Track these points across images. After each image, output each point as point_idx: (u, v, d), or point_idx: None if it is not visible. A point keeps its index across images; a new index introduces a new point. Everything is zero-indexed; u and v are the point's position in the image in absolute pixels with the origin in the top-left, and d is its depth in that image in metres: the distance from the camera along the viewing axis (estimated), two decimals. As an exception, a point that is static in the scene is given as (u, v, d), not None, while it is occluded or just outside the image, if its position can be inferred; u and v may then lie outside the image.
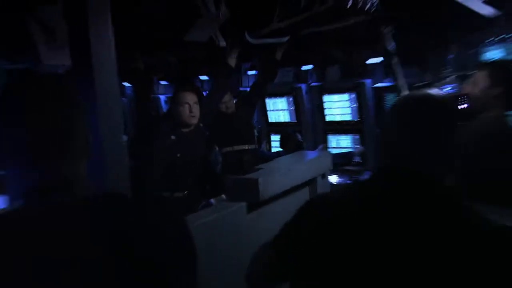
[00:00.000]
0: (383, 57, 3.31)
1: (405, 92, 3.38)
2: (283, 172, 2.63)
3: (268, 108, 6.36)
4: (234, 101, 4.70)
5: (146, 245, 1.01)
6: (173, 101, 3.75)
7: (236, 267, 1.30)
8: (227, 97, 4.45)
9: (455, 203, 1.14)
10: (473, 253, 1.04)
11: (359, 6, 2.45)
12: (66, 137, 1.01)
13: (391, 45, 3.30)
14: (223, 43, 3.19)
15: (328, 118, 5.99)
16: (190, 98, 3.68)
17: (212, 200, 2.77)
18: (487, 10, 2.82)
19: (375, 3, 2.55)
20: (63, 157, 1.00)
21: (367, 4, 2.48)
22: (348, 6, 2.44)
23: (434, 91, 1.32)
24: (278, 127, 6.27)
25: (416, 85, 3.45)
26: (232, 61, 3.95)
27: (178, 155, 3.68)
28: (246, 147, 4.38)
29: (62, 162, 1.00)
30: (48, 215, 0.95)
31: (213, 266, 1.26)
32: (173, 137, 3.72)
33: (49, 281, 0.90)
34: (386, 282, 1.07)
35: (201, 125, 3.94)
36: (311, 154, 3.11)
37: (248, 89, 5.41)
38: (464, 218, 1.11)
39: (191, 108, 3.65)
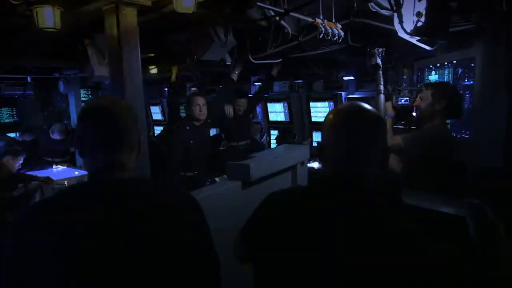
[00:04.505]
0: (371, 68, 3.17)
1: (382, 94, 3.21)
2: (269, 160, 2.59)
3: (269, 110, 6.31)
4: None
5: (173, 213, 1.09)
6: (188, 103, 3.72)
7: (233, 229, 1.27)
8: (243, 101, 4.38)
9: (375, 210, 1.01)
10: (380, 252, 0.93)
11: (328, 38, 2.38)
12: (123, 136, 1.09)
13: (378, 60, 3.17)
14: (228, 62, 3.16)
15: (313, 119, 5.93)
16: (201, 100, 3.66)
17: (217, 179, 2.75)
18: (424, 46, 2.74)
19: (341, 36, 2.48)
20: (120, 150, 1.08)
21: (335, 37, 2.41)
22: (320, 36, 2.37)
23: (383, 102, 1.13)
24: (276, 125, 6.23)
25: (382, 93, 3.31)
26: (235, 76, 3.93)
27: (191, 141, 3.67)
28: (244, 142, 4.30)
29: (119, 153, 1.08)
30: (110, 186, 1.06)
31: (215, 229, 1.24)
32: (187, 127, 3.70)
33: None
34: (318, 269, 0.97)
35: (209, 120, 3.91)
36: (293, 147, 3.05)
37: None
38: (383, 227, 0.98)
39: (200, 108, 3.64)
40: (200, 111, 3.65)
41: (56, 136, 5.53)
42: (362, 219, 0.99)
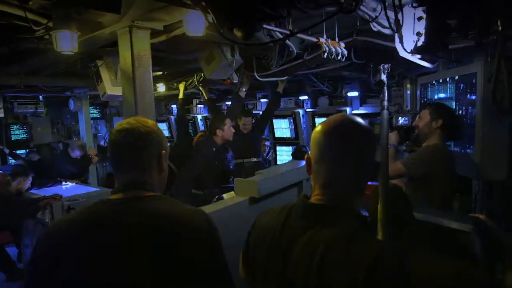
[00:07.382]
0: (376, 84, 3.24)
1: (385, 110, 3.25)
2: (276, 176, 2.64)
3: (275, 127, 6.38)
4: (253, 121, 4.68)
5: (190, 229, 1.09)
6: (220, 123, 3.67)
7: (240, 245, 1.28)
8: (247, 120, 4.42)
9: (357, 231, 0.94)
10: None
11: (332, 57, 2.46)
12: (130, 157, 1.15)
13: (383, 76, 3.24)
14: (236, 80, 3.24)
15: (319, 135, 5.99)
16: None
17: (224, 195, 2.78)
18: (425, 64, 2.81)
19: (345, 55, 2.56)
20: (133, 169, 1.14)
21: (338, 56, 2.49)
22: (325, 56, 2.45)
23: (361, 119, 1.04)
24: (282, 141, 6.30)
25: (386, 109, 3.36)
26: (242, 94, 3.99)
27: (216, 162, 3.71)
28: (254, 160, 4.36)
29: (134, 172, 1.14)
30: (129, 201, 1.11)
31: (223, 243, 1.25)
32: (214, 149, 3.71)
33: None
34: None
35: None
36: (299, 163, 3.09)
37: (260, 112, 5.45)
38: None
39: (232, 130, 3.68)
40: (233, 132, 3.68)
41: (76, 153, 5.58)
42: (340, 243, 0.91)
